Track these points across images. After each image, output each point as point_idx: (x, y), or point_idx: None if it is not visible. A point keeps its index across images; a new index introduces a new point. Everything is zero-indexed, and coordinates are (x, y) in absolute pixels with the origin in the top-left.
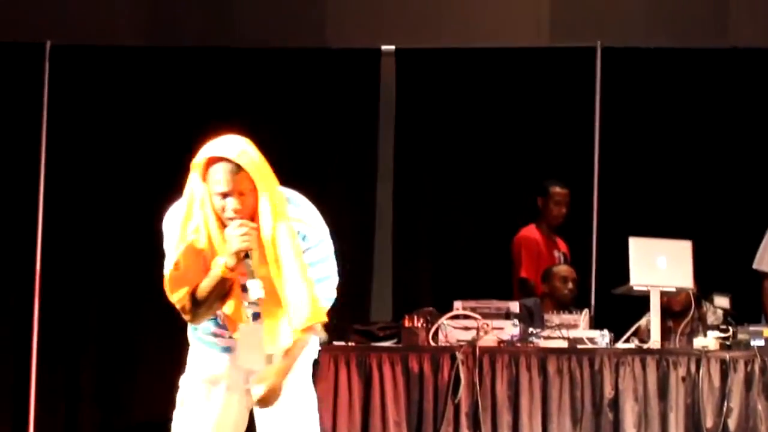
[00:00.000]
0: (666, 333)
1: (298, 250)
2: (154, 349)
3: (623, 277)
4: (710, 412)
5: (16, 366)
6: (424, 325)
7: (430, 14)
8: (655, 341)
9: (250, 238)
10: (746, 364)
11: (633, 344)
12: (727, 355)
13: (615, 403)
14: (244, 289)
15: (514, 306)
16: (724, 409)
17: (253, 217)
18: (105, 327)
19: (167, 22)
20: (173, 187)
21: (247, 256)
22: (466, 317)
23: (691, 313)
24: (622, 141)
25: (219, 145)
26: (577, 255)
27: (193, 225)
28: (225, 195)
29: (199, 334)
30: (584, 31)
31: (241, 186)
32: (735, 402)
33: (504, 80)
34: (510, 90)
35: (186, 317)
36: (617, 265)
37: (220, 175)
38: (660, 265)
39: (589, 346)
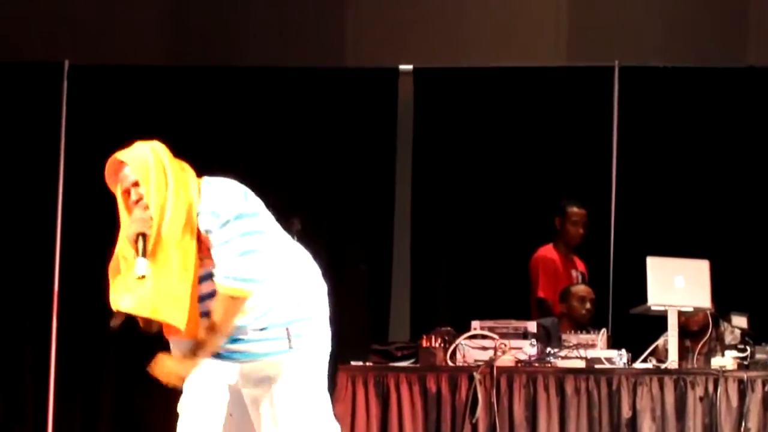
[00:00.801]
0: (684, 353)
1: (187, 247)
2: None
3: (641, 296)
4: None
5: (35, 386)
6: (442, 344)
7: (448, 34)
8: (672, 361)
9: (145, 223)
10: (764, 384)
11: (651, 364)
12: (744, 375)
13: (633, 423)
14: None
15: (532, 326)
16: (742, 429)
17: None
18: (123, 348)
19: (185, 42)
20: None
21: (144, 239)
22: (484, 337)
23: (709, 332)
24: (639, 160)
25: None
26: (595, 274)
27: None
28: (125, 191)
29: None
30: (602, 50)
31: (130, 178)
32: (753, 422)
33: (522, 99)
34: (528, 109)
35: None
36: (635, 284)
37: (118, 175)
38: (678, 284)
39: (607, 366)
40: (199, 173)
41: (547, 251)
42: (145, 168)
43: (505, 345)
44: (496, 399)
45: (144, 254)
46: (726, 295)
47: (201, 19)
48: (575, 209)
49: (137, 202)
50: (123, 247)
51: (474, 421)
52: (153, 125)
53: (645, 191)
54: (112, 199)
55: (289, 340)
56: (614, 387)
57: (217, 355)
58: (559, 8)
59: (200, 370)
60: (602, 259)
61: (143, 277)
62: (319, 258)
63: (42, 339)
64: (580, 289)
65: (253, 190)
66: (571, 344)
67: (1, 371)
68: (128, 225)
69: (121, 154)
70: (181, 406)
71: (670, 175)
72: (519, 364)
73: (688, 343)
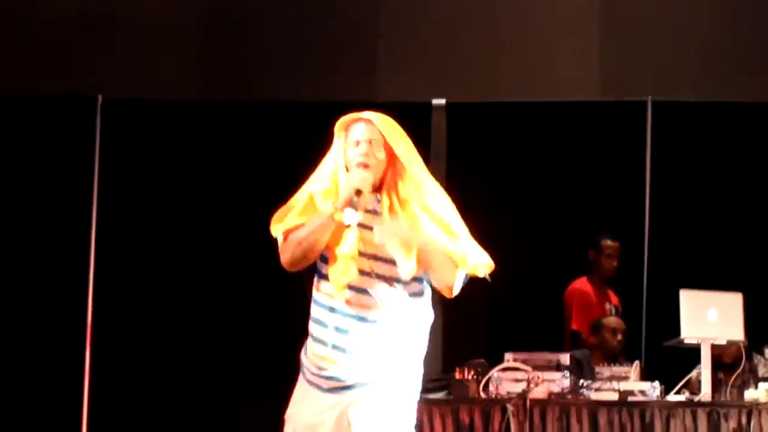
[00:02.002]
0: (717, 385)
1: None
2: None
3: (674, 329)
4: None
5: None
6: (475, 377)
7: (482, 68)
8: (705, 393)
9: (364, 181)
10: None
11: (684, 396)
12: None
13: None
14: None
15: (565, 358)
16: None
17: (382, 177)
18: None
19: (218, 77)
20: (225, 239)
21: (358, 196)
22: (517, 369)
23: (742, 365)
24: (672, 194)
25: (362, 112)
26: (629, 307)
27: (321, 173)
28: (358, 143)
29: (308, 375)
30: (635, 85)
31: (372, 136)
32: None
33: (554, 134)
34: (561, 144)
35: (282, 255)
36: (668, 317)
37: (357, 126)
38: (711, 317)
39: (640, 398)
40: (229, 206)
41: (582, 284)
42: (399, 134)
43: (539, 377)
44: (530, 431)
45: (355, 208)
46: (759, 328)
47: (233, 54)
48: (609, 242)
49: (366, 156)
50: (324, 189)
51: None
52: (186, 160)
53: (678, 224)
54: (145, 233)
55: (373, 374)
56: (647, 419)
57: (330, 388)
58: (592, 43)
59: (304, 405)
60: (636, 292)
61: (349, 226)
62: None
63: (75, 362)
64: (612, 320)
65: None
66: (604, 376)
67: (34, 385)
68: (348, 179)
69: (370, 114)
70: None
71: (703, 208)
72: (552, 396)
73: (721, 375)
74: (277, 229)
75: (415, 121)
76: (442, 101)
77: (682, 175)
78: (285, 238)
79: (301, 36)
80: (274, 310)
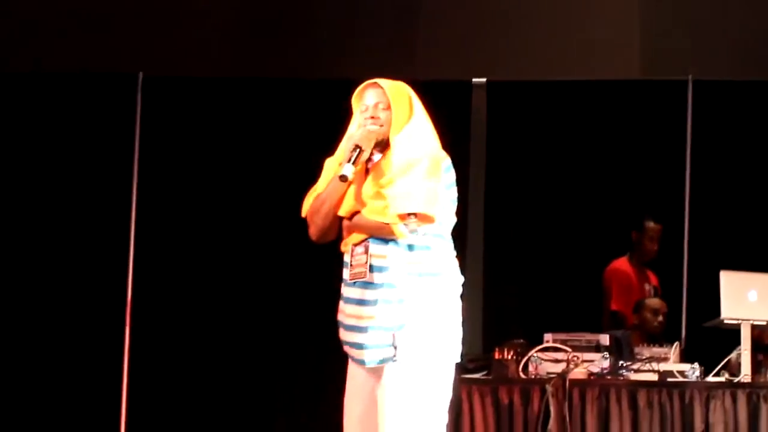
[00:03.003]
0: (757, 366)
1: (433, 162)
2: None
3: (714, 310)
4: None
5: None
6: (514, 357)
7: (521, 47)
8: (745, 375)
9: (365, 138)
10: None
11: (723, 378)
12: None
13: None
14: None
15: (605, 339)
16: None
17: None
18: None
19: (258, 54)
20: (268, 216)
21: (359, 152)
22: (557, 349)
23: None
24: (713, 174)
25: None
26: (668, 288)
27: (342, 144)
28: (366, 108)
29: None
30: (676, 64)
31: (379, 99)
32: None
33: (594, 113)
34: (600, 123)
35: (310, 229)
36: (708, 298)
37: (365, 93)
38: (751, 298)
39: (680, 379)
40: (270, 184)
41: (621, 264)
42: (400, 97)
43: (578, 357)
44: (569, 412)
45: (353, 163)
46: None
47: (273, 31)
48: (652, 224)
49: (373, 118)
50: (337, 158)
51: None
52: (226, 137)
53: (718, 205)
54: (186, 209)
55: (395, 349)
56: (687, 401)
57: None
58: (632, 22)
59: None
60: (675, 273)
61: (344, 177)
62: None
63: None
64: (654, 301)
65: None
66: (643, 357)
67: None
68: (351, 133)
69: (381, 80)
70: None
71: (744, 188)
72: (591, 377)
73: (761, 357)
74: (305, 210)
75: (455, 100)
76: (483, 80)
77: (723, 155)
78: (308, 211)
79: (342, 14)
80: (314, 304)
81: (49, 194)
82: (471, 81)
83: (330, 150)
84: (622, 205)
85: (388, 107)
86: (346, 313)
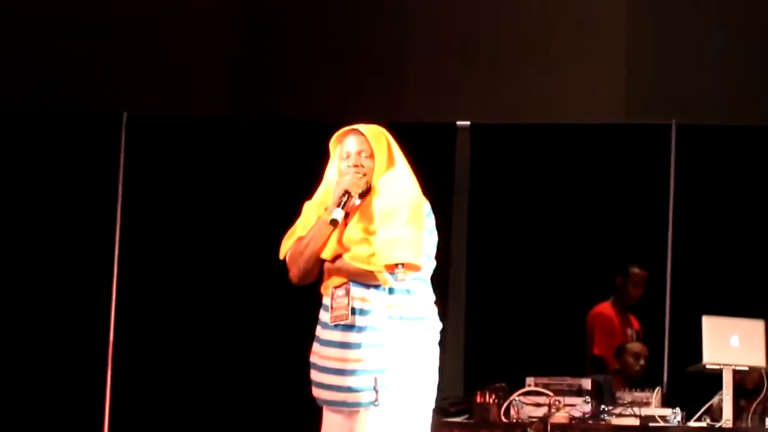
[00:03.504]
0: (738, 412)
1: (416, 209)
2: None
3: (696, 355)
4: None
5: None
6: (496, 401)
7: (506, 90)
8: (727, 420)
9: (354, 184)
10: None
11: (705, 423)
12: None
13: None
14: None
15: (587, 383)
16: None
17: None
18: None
19: (243, 94)
20: (249, 257)
21: (348, 197)
22: (538, 393)
23: (764, 392)
24: (696, 218)
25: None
26: (650, 333)
27: (322, 186)
28: (348, 155)
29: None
30: (659, 108)
31: (361, 146)
32: None
33: (578, 156)
34: (584, 166)
35: (290, 271)
36: (690, 343)
37: (347, 140)
38: (733, 343)
39: (661, 424)
40: (254, 223)
41: (604, 308)
42: (380, 144)
43: (560, 402)
44: None
45: (343, 208)
46: None
47: (259, 72)
48: (637, 270)
49: (356, 166)
50: (318, 201)
51: None
52: (209, 177)
53: (701, 250)
54: (169, 249)
55: (376, 393)
56: None
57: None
58: (616, 66)
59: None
60: (658, 317)
61: (334, 221)
62: None
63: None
64: (635, 346)
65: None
66: (625, 402)
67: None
68: (340, 180)
69: (361, 126)
70: None
71: (727, 234)
72: (573, 421)
73: (743, 402)
74: (283, 251)
75: (439, 142)
76: (467, 123)
77: (706, 200)
78: (289, 254)
79: (327, 56)
80: (295, 323)
81: (33, 232)
82: (455, 123)
83: (310, 192)
84: (604, 249)
85: (371, 155)
86: (323, 355)
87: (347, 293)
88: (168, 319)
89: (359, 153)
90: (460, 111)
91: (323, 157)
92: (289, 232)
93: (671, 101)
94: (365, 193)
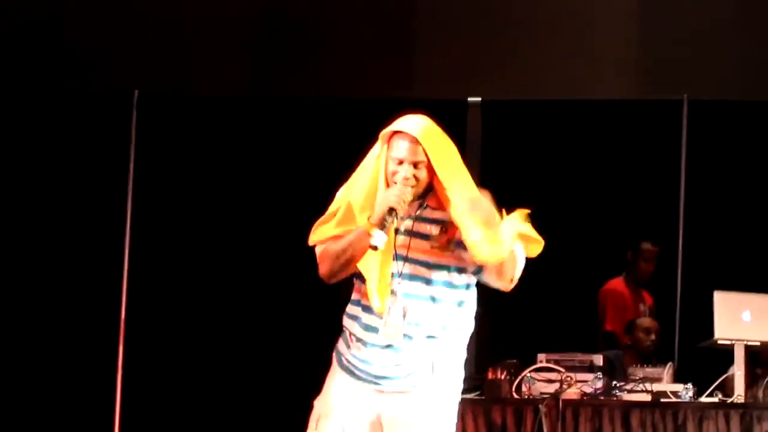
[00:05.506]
0: (754, 379)
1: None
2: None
3: (708, 330)
4: None
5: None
6: (508, 377)
7: (517, 66)
8: (738, 395)
9: (400, 200)
10: None
11: (717, 398)
12: None
13: None
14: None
15: (598, 359)
16: None
17: (426, 186)
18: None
19: (254, 73)
20: (263, 238)
21: (391, 215)
22: (550, 370)
23: None
24: (708, 194)
25: (408, 121)
26: (662, 308)
27: (361, 182)
28: (401, 162)
29: (345, 362)
30: (671, 84)
31: (417, 157)
32: None
33: (590, 132)
34: (596, 142)
35: (321, 267)
36: (702, 318)
37: (402, 143)
38: (745, 318)
39: (673, 399)
40: (266, 202)
41: (616, 284)
42: (446, 156)
43: (571, 378)
44: None
45: (383, 228)
46: None
47: (270, 50)
48: (649, 246)
49: (406, 179)
50: (361, 200)
51: None
52: (220, 156)
53: (713, 224)
54: (179, 226)
55: (433, 373)
56: (680, 421)
57: (364, 378)
58: (628, 41)
59: (339, 394)
60: (670, 293)
61: (375, 248)
62: None
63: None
64: (646, 320)
65: (314, 218)
66: (637, 378)
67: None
68: (387, 194)
69: (422, 135)
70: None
71: (738, 208)
72: (585, 397)
73: (759, 371)
74: (314, 240)
75: (450, 118)
76: (478, 99)
77: (718, 175)
78: (322, 250)
79: (338, 33)
80: (308, 310)
81: (44, 211)
82: (467, 100)
83: (328, 173)
84: (617, 224)
85: (426, 166)
86: (368, 357)
87: (404, 315)
88: (179, 302)
89: (413, 164)
90: (471, 87)
91: (335, 134)
92: (321, 219)
93: (683, 76)
94: (423, 195)
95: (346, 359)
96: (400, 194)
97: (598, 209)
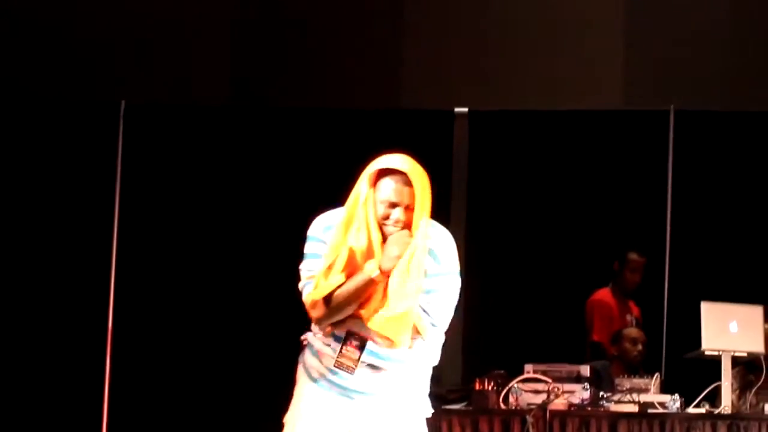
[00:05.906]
0: (748, 385)
1: (421, 272)
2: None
3: (695, 341)
4: None
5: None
6: (495, 388)
7: (504, 77)
8: (726, 406)
9: (406, 247)
10: None
11: (704, 409)
12: None
13: None
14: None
15: (585, 369)
16: None
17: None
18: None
19: (242, 82)
20: (248, 247)
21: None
22: (537, 380)
23: (763, 377)
24: (694, 204)
25: (394, 159)
26: (649, 319)
27: (355, 226)
28: (393, 205)
29: (316, 375)
30: (657, 94)
31: (409, 200)
32: None
33: (576, 143)
34: (582, 153)
35: (314, 313)
36: (689, 329)
37: (393, 185)
38: (732, 329)
39: (660, 410)
40: (253, 211)
41: (603, 295)
42: (427, 199)
43: (558, 388)
44: None
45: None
46: None
47: (256, 60)
48: (636, 257)
49: (397, 222)
50: (363, 248)
51: None
52: (207, 165)
53: (700, 235)
54: (166, 235)
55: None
56: (667, 431)
57: (342, 392)
58: (615, 52)
59: (311, 408)
60: (656, 304)
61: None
62: None
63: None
64: (632, 331)
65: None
66: (624, 388)
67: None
68: (391, 246)
69: (412, 174)
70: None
71: (725, 219)
72: (572, 408)
73: (752, 377)
74: (320, 295)
75: (437, 129)
76: (465, 109)
77: (705, 186)
78: (326, 300)
79: (325, 44)
80: (292, 317)
81: (32, 220)
82: (453, 110)
83: (310, 181)
84: (603, 235)
85: (413, 209)
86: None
87: (361, 349)
88: (166, 311)
89: (406, 208)
90: (457, 98)
91: (321, 144)
92: (321, 272)
93: (669, 87)
94: None
95: (319, 372)
96: (404, 241)
97: (584, 219)
